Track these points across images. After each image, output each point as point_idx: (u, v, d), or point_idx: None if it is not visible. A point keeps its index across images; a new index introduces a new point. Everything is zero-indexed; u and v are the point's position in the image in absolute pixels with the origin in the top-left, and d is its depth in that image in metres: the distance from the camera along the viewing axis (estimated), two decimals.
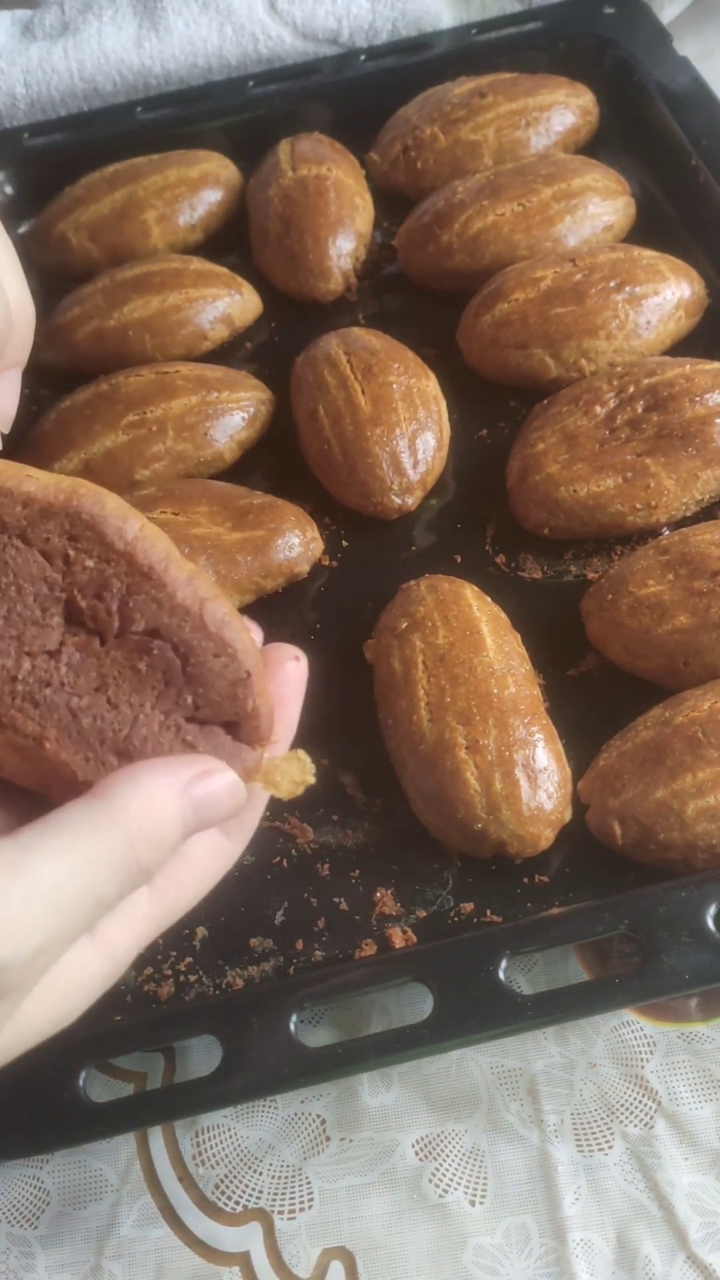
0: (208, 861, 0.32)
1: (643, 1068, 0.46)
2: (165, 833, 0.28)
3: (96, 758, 0.29)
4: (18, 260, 0.34)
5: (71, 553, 0.29)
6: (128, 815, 0.28)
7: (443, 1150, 0.45)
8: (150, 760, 0.29)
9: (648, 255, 0.62)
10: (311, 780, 0.31)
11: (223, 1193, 0.45)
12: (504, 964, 0.42)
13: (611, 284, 0.60)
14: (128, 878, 0.27)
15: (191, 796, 0.29)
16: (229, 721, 0.30)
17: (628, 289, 0.60)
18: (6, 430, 0.35)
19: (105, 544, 0.29)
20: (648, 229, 0.68)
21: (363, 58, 0.78)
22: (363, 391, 0.59)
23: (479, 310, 0.63)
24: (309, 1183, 0.45)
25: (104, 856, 0.27)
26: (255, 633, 0.34)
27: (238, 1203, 0.45)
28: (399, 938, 0.46)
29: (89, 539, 0.29)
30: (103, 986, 0.30)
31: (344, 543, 0.60)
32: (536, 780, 0.47)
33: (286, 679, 0.33)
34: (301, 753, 0.32)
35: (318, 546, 0.58)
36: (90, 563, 0.29)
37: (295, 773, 0.31)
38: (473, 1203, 0.44)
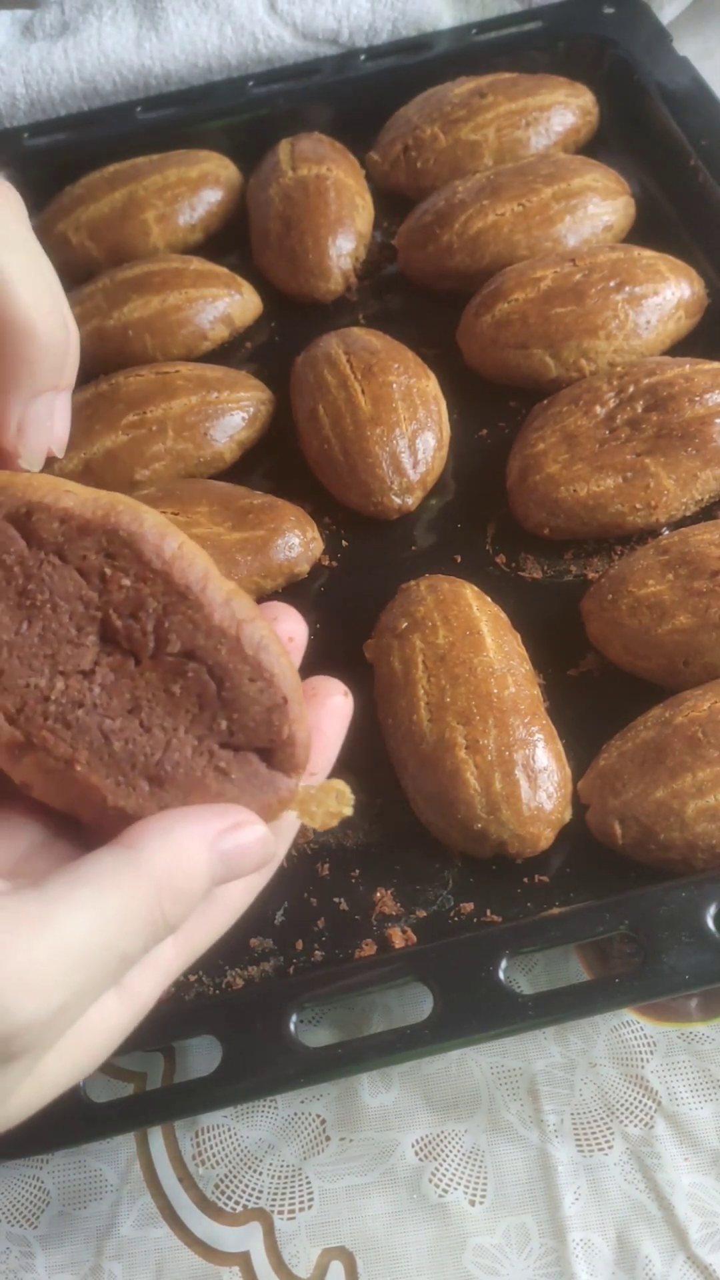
0: (234, 895, 0.31)
1: (643, 1068, 0.46)
2: (193, 887, 0.28)
3: (127, 782, 0.29)
4: (47, 278, 0.32)
5: (108, 570, 0.29)
6: (155, 868, 0.27)
7: (443, 1150, 0.45)
8: (179, 810, 0.29)
9: (647, 255, 0.62)
10: (348, 812, 0.30)
11: (223, 1193, 0.45)
12: (504, 964, 0.42)
13: (611, 284, 0.60)
14: (153, 933, 0.27)
15: (221, 850, 0.28)
16: (264, 748, 0.29)
17: (628, 289, 0.60)
18: (60, 455, 0.34)
19: (142, 562, 0.29)
20: (648, 229, 0.68)
21: (363, 58, 0.78)
22: (363, 391, 0.59)
23: (479, 310, 0.63)
24: (309, 1183, 0.45)
25: (131, 911, 0.26)
26: (298, 625, 0.34)
27: (238, 1203, 0.45)
28: (399, 938, 0.46)
29: (126, 556, 0.29)
30: (125, 1033, 0.29)
31: (344, 543, 0.60)
32: (536, 780, 0.46)
33: (332, 712, 0.33)
34: (339, 783, 0.31)
35: (318, 546, 0.58)
36: (126, 581, 0.29)
37: (331, 803, 0.30)
38: (473, 1203, 0.44)
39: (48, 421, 0.33)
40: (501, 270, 0.64)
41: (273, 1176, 0.45)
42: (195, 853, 0.28)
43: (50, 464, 0.66)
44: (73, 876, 0.26)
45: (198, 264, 0.69)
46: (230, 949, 0.47)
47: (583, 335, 0.60)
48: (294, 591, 0.58)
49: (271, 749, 0.29)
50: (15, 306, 0.30)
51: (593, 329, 0.59)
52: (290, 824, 0.32)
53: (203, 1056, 0.47)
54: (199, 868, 0.28)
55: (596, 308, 0.60)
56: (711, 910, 0.42)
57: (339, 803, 0.30)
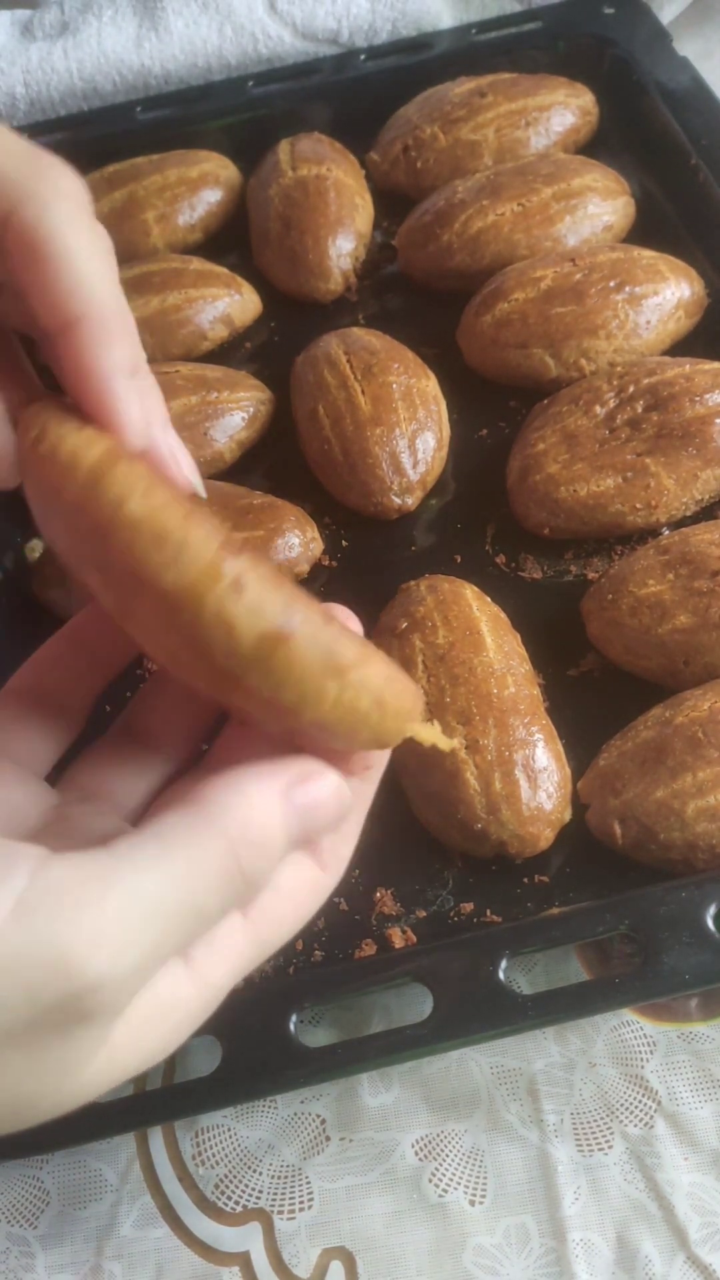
0: (302, 893, 0.30)
1: (643, 1067, 0.46)
2: (268, 838, 0.27)
3: None
4: (111, 260, 0.31)
5: None
6: (227, 821, 0.26)
7: (442, 1150, 0.45)
8: (245, 766, 0.28)
9: (647, 255, 0.62)
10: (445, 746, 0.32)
11: (222, 1193, 0.45)
12: (504, 964, 0.42)
13: (611, 284, 0.60)
14: (230, 888, 0.26)
15: (294, 802, 0.27)
16: None
17: (628, 289, 0.60)
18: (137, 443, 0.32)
19: None
20: (648, 229, 0.68)
21: (363, 58, 0.78)
22: (363, 391, 0.59)
23: (479, 310, 0.63)
24: (309, 1183, 0.45)
25: (204, 864, 0.26)
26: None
27: (237, 1203, 0.45)
28: (399, 938, 0.46)
29: None
30: (196, 1021, 0.28)
31: (344, 543, 0.60)
32: (536, 780, 0.47)
33: None
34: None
35: (318, 546, 0.58)
36: None
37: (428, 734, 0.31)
38: (472, 1202, 0.44)
39: (138, 402, 0.31)
40: (502, 270, 0.64)
41: (273, 1176, 0.45)
42: (268, 804, 0.27)
43: None
44: (143, 834, 0.25)
45: (197, 264, 0.69)
46: None
47: (583, 335, 0.60)
48: None
49: None
50: (88, 285, 0.30)
51: (593, 329, 0.59)
52: (353, 826, 0.32)
53: (203, 1056, 0.47)
54: (273, 819, 0.27)
55: (597, 307, 0.60)
56: (712, 910, 0.42)
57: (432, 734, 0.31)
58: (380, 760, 0.32)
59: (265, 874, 0.27)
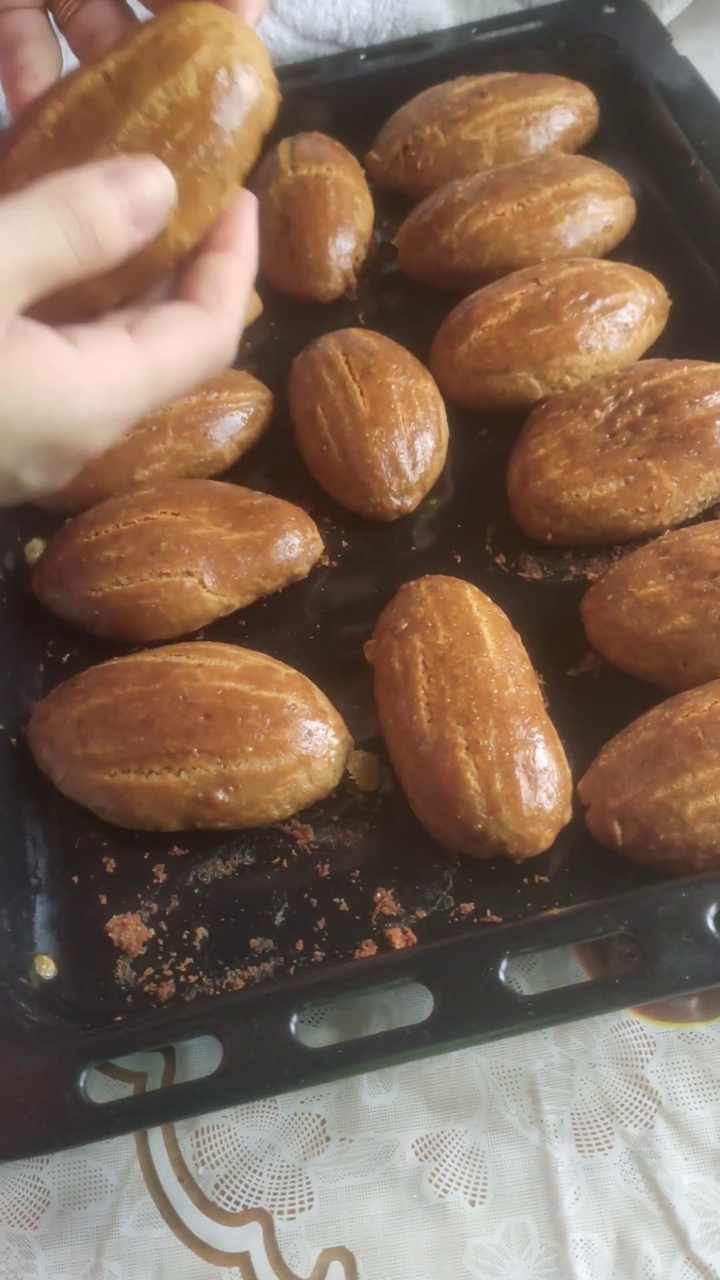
0: (190, 325, 0.36)
1: (643, 1068, 0.46)
2: (87, 188, 0.33)
3: None
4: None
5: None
6: (48, 187, 0.32)
7: (443, 1150, 0.45)
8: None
9: (608, 266, 0.62)
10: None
11: (222, 1193, 0.45)
12: (504, 964, 0.42)
13: (582, 298, 0.60)
14: (62, 217, 0.32)
15: (114, 176, 0.33)
16: None
17: (599, 301, 0.60)
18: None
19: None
20: (647, 229, 0.68)
21: (362, 57, 0.78)
22: (361, 392, 0.59)
23: (451, 341, 0.62)
24: (309, 1183, 0.45)
25: (30, 209, 0.32)
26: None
27: (237, 1203, 0.45)
28: (399, 938, 0.46)
29: None
30: (97, 393, 0.33)
31: (344, 543, 0.60)
32: (537, 780, 0.47)
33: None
34: None
35: (318, 547, 0.58)
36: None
37: None
38: (472, 1203, 0.44)
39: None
40: (465, 299, 0.63)
41: (273, 1177, 0.45)
42: (83, 177, 0.33)
43: None
44: None
45: None
46: (230, 949, 0.47)
47: (564, 352, 0.59)
48: (294, 591, 0.58)
49: None
50: None
51: (572, 345, 0.59)
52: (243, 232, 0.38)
53: (203, 1057, 0.47)
54: (87, 180, 0.33)
55: (573, 323, 0.60)
56: (711, 910, 0.42)
57: None
58: (240, 235, 0.38)
59: (94, 219, 0.33)
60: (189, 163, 0.35)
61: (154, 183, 0.34)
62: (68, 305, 0.35)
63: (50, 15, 0.42)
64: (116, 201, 0.33)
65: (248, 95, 0.36)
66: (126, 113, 0.35)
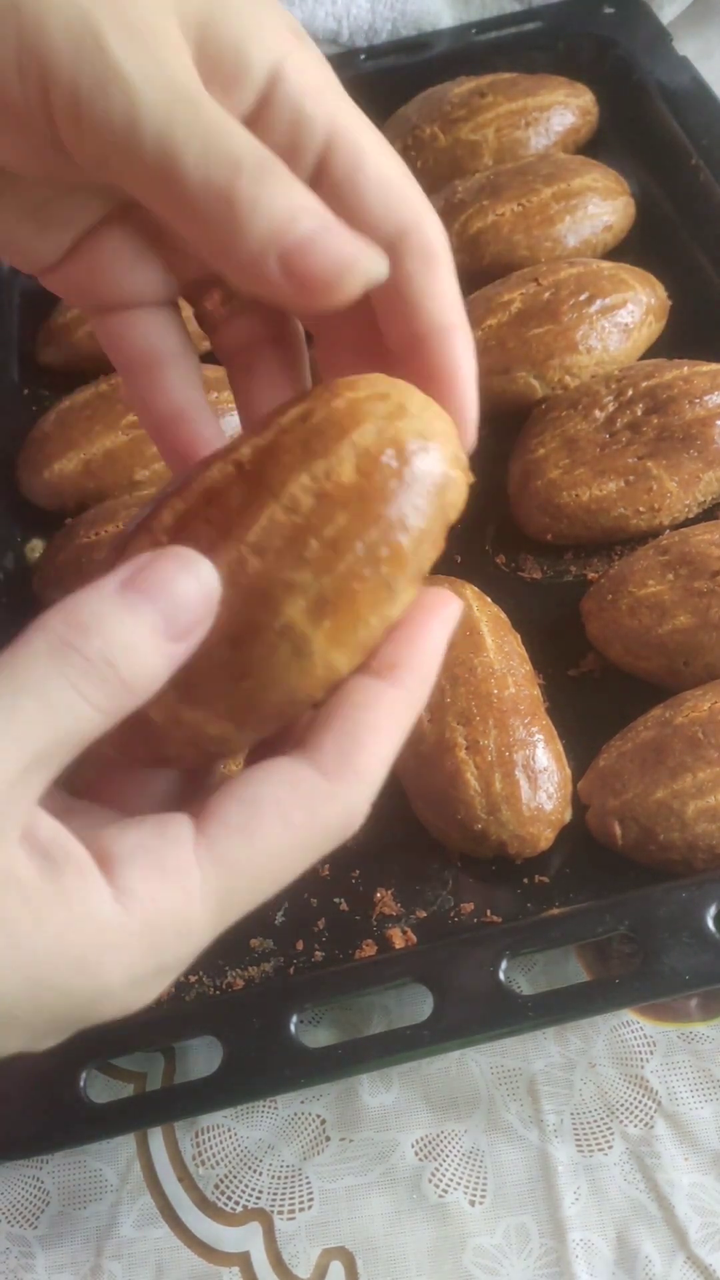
0: (290, 804, 0.25)
1: (643, 1068, 0.46)
2: (101, 616, 0.24)
3: None
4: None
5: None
6: (48, 623, 0.24)
7: (442, 1150, 0.45)
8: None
9: (607, 266, 0.62)
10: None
11: (223, 1193, 0.45)
12: (504, 964, 0.42)
13: (582, 298, 0.60)
14: (71, 669, 0.23)
15: (131, 583, 0.25)
16: None
17: (598, 301, 0.60)
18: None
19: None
20: (647, 229, 0.68)
21: (362, 57, 0.78)
22: None
23: None
24: (309, 1183, 0.45)
25: (28, 656, 0.23)
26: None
27: (237, 1203, 0.45)
28: (399, 938, 0.46)
29: None
30: (126, 952, 0.24)
31: None
32: (537, 780, 0.47)
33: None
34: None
35: None
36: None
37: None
38: (472, 1203, 0.44)
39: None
40: (465, 299, 0.63)
41: (273, 1176, 0.45)
42: (91, 596, 0.25)
43: (50, 465, 0.66)
44: None
45: None
46: (230, 949, 0.47)
47: (564, 352, 0.59)
48: None
49: None
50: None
51: (572, 345, 0.59)
52: (400, 688, 0.27)
53: (203, 1057, 0.47)
54: (101, 603, 0.24)
55: (573, 323, 0.60)
56: (712, 911, 0.42)
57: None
58: (412, 661, 0.27)
59: (123, 656, 0.24)
60: (341, 565, 0.26)
61: (187, 581, 0.25)
62: (160, 745, 0.27)
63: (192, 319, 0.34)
64: (139, 620, 0.24)
65: (425, 479, 0.27)
66: (260, 506, 0.27)
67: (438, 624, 0.28)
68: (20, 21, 0.25)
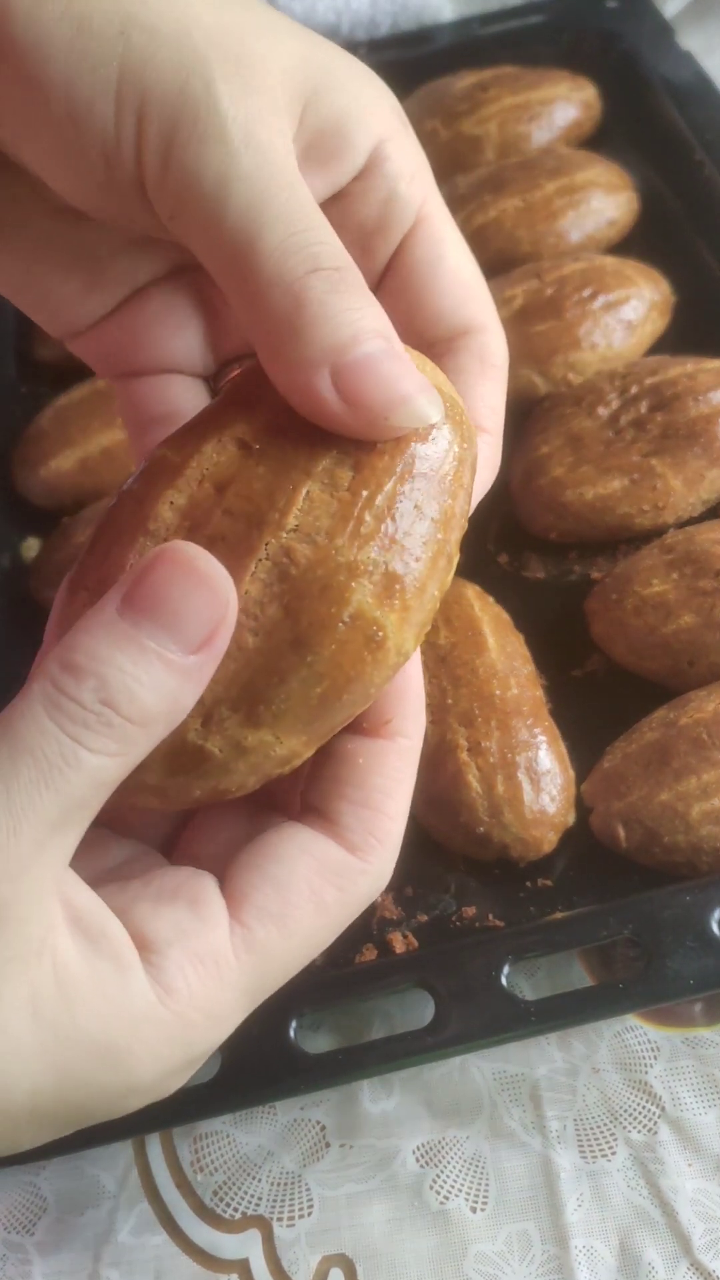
0: (319, 882, 0.25)
1: (646, 1073, 0.46)
2: (96, 652, 0.22)
3: None
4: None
5: None
6: (46, 663, 0.23)
7: (444, 1157, 0.45)
8: None
9: (611, 261, 0.62)
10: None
11: (221, 1199, 0.45)
12: (506, 969, 0.41)
13: (585, 294, 0.60)
14: (65, 717, 0.22)
15: (130, 602, 0.23)
16: None
17: (602, 297, 0.60)
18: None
19: None
20: (651, 224, 0.68)
21: (363, 51, 0.78)
22: None
23: None
24: (309, 1190, 0.45)
25: (22, 712, 0.22)
26: None
27: (236, 1209, 0.45)
28: (400, 942, 0.46)
29: None
30: (167, 1047, 0.23)
31: None
32: (540, 783, 0.46)
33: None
34: None
35: None
36: None
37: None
38: (474, 1209, 0.44)
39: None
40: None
41: (272, 1183, 0.45)
42: (89, 626, 0.23)
43: (47, 462, 0.65)
44: None
45: None
46: None
47: (568, 349, 0.59)
48: None
49: None
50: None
51: (575, 341, 0.59)
52: (398, 753, 0.27)
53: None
54: (98, 633, 0.22)
55: (576, 320, 0.59)
56: (717, 914, 0.42)
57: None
58: (405, 710, 0.27)
59: (109, 691, 0.22)
60: (401, 534, 0.24)
61: (191, 584, 0.23)
62: (221, 778, 0.26)
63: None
64: (142, 647, 0.23)
65: (446, 436, 0.25)
66: (293, 486, 0.24)
67: (418, 671, 0.27)
68: (127, 48, 0.24)
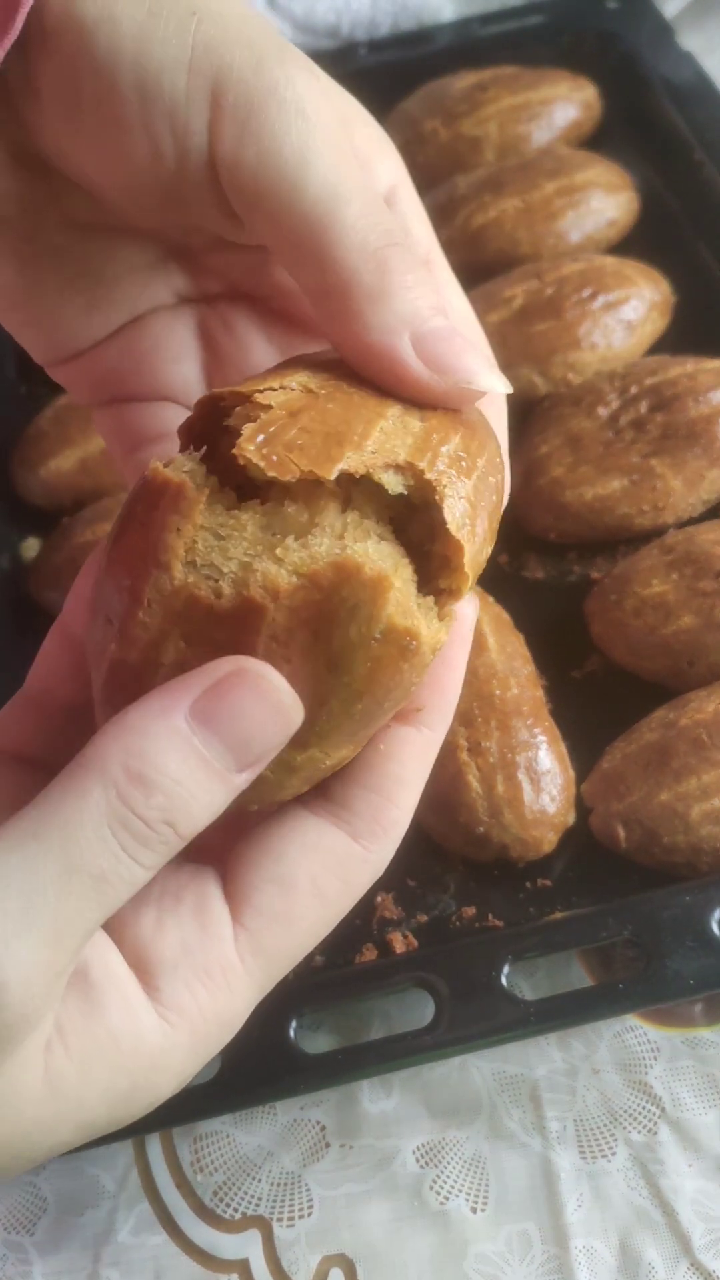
0: (327, 879, 0.25)
1: (646, 1073, 0.46)
2: (166, 769, 0.22)
3: None
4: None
5: None
6: (106, 762, 0.22)
7: (444, 1157, 0.45)
8: (151, 693, 0.23)
9: (611, 262, 0.62)
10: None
11: (221, 1200, 0.45)
12: (506, 969, 0.41)
13: (585, 294, 0.60)
14: (129, 836, 0.22)
15: (204, 714, 0.22)
16: None
17: (601, 298, 0.60)
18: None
19: None
20: (651, 224, 0.68)
21: (362, 51, 0.78)
22: None
23: None
24: (308, 1190, 0.45)
25: (81, 820, 0.21)
26: None
27: (236, 1210, 0.45)
28: (400, 942, 0.46)
29: None
30: (185, 1064, 0.24)
31: None
32: (539, 783, 0.46)
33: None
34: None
35: None
36: None
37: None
38: (474, 1210, 0.44)
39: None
40: (467, 294, 0.63)
41: (272, 1183, 0.45)
42: (157, 730, 0.22)
43: (46, 462, 0.65)
44: (22, 810, 0.22)
45: None
46: None
47: (567, 349, 0.59)
48: None
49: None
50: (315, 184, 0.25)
51: (575, 342, 0.59)
52: (420, 741, 0.26)
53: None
54: (166, 743, 0.22)
55: (576, 320, 0.59)
56: (716, 914, 0.42)
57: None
58: (438, 702, 0.27)
59: (182, 814, 0.22)
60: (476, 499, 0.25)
61: (263, 709, 0.23)
62: (273, 794, 0.26)
63: None
64: (209, 766, 0.23)
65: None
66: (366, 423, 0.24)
67: (462, 652, 0.27)
68: (199, 26, 0.24)
